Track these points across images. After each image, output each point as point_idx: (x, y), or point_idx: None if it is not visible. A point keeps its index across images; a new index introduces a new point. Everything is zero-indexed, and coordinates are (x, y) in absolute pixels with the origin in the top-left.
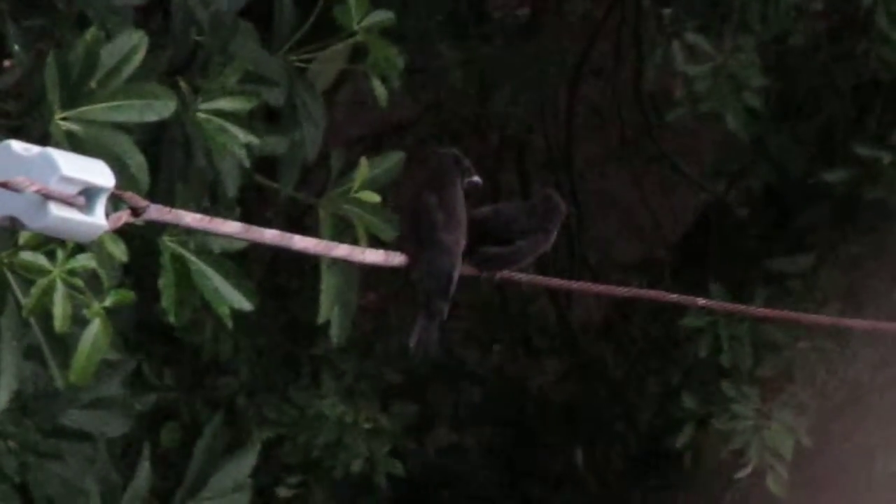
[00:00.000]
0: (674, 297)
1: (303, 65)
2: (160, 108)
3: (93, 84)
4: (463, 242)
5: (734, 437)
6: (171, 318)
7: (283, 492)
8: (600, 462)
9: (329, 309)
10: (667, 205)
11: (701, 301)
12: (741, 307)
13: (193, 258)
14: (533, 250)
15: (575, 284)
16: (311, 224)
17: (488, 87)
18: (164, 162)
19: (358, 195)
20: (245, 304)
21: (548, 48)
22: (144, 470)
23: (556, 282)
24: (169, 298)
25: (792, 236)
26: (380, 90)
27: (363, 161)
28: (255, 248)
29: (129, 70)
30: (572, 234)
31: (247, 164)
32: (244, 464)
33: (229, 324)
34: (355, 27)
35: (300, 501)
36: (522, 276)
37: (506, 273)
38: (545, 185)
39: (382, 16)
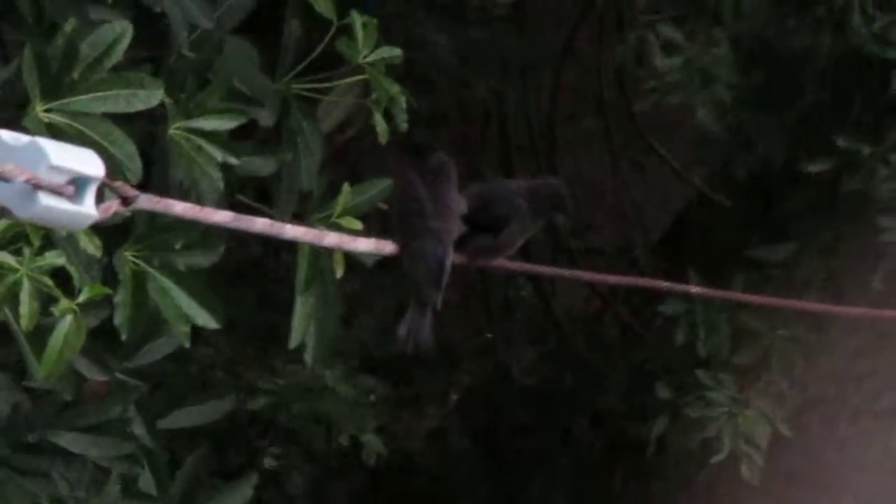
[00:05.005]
0: (665, 285)
1: (306, 93)
2: (146, 97)
3: (74, 75)
4: (455, 232)
5: (708, 425)
6: (123, 335)
7: (267, 462)
8: (577, 447)
9: (302, 332)
10: (648, 193)
11: (694, 289)
12: (731, 294)
13: (156, 274)
14: (523, 235)
15: (566, 272)
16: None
17: (472, 71)
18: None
19: (339, 220)
20: (210, 322)
21: (531, 35)
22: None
23: (547, 269)
24: (123, 315)
25: (773, 225)
26: (382, 126)
27: (346, 188)
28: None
29: (112, 59)
30: (554, 223)
31: (221, 185)
32: (237, 497)
33: (187, 343)
34: (361, 61)
35: (285, 473)
36: (513, 265)
37: (497, 262)
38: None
39: (389, 52)
